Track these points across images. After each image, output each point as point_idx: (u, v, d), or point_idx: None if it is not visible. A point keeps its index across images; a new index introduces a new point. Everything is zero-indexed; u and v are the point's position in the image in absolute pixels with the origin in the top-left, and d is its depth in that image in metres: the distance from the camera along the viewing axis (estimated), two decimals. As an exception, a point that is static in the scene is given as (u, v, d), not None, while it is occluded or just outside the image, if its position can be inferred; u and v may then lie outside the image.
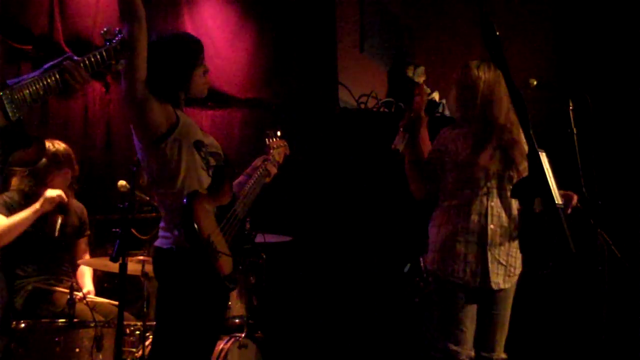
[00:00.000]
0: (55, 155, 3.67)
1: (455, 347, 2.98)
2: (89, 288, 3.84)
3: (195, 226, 2.44)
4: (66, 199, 3.62)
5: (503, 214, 3.03)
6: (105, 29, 2.46)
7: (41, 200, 3.52)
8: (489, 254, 3.01)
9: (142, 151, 2.58)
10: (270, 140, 3.03)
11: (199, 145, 2.61)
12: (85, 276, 3.92)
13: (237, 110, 5.33)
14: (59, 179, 3.70)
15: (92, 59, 2.36)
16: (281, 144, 3.06)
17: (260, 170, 2.91)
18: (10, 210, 3.57)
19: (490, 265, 3.01)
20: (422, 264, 3.82)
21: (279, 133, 3.03)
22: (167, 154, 2.51)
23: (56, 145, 3.70)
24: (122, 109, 4.67)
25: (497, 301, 3.07)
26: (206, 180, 2.59)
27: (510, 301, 3.08)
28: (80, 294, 3.59)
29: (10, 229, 3.49)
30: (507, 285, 3.06)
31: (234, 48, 5.31)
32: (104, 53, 2.38)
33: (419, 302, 3.79)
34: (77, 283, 3.79)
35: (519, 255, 3.07)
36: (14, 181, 3.69)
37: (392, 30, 6.75)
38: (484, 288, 3.02)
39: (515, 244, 3.04)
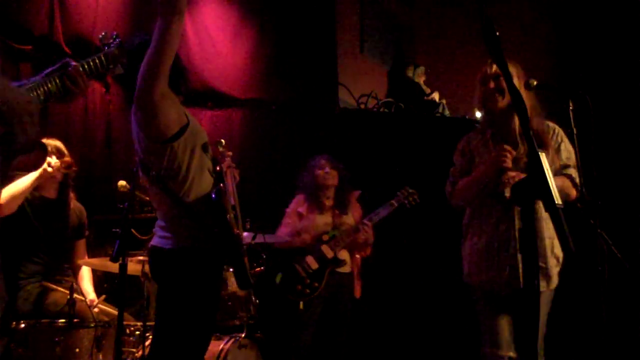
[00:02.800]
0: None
1: (491, 350, 3.00)
2: (91, 296, 3.80)
3: (229, 220, 2.47)
4: (69, 159, 3.58)
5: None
6: (103, 34, 2.46)
7: (43, 165, 3.48)
8: (519, 258, 2.99)
9: (150, 149, 2.55)
10: (223, 148, 3.04)
11: (206, 147, 2.62)
12: (85, 281, 3.89)
13: (237, 110, 5.33)
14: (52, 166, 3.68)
15: (92, 64, 2.36)
16: (229, 154, 3.05)
17: (230, 175, 2.91)
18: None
19: (521, 270, 2.98)
20: (299, 269, 4.06)
21: (223, 142, 3.04)
22: (178, 154, 2.51)
23: (47, 140, 3.70)
24: (124, 108, 4.68)
25: (531, 304, 3.02)
26: (210, 182, 2.60)
27: (547, 306, 3.05)
28: (81, 297, 3.59)
29: (13, 195, 3.43)
30: (543, 289, 3.02)
31: (234, 48, 5.31)
32: (102, 58, 2.38)
33: (304, 306, 4.04)
34: (78, 284, 3.79)
35: (557, 255, 3.05)
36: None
37: (392, 30, 6.76)
38: (517, 292, 2.99)
39: (550, 246, 3.02)
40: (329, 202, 4.29)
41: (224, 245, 2.50)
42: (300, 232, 4.22)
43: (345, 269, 4.21)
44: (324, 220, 4.24)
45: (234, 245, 2.52)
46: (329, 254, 4.13)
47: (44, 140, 3.73)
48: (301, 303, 4.06)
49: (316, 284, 4.08)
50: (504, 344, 3.01)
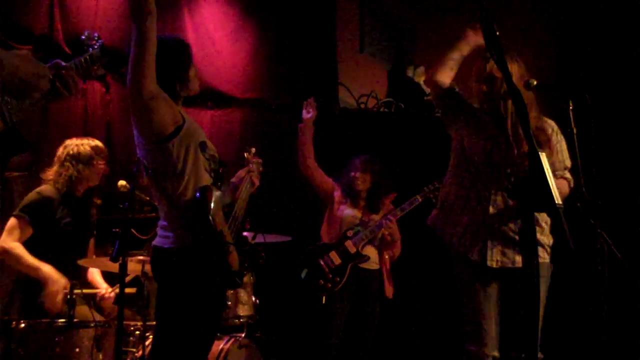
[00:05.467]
0: (97, 147, 3.73)
1: (477, 348, 2.95)
2: (104, 286, 3.85)
3: (210, 219, 2.48)
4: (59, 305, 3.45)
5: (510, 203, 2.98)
6: (85, 34, 2.47)
7: (48, 278, 3.41)
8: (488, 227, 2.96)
9: (146, 149, 2.57)
10: (249, 155, 3.08)
11: (203, 146, 2.63)
12: (95, 274, 3.93)
13: (237, 110, 5.33)
14: (99, 168, 3.72)
15: (79, 64, 2.38)
16: (258, 161, 3.08)
17: (247, 180, 2.93)
18: (36, 214, 3.55)
19: (490, 240, 2.96)
20: (322, 264, 4.11)
21: (253, 150, 3.10)
22: (173, 154, 2.52)
23: (96, 141, 3.77)
24: (124, 109, 4.67)
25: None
26: (208, 181, 2.61)
27: (540, 287, 3.01)
28: (79, 292, 3.59)
29: (11, 259, 3.48)
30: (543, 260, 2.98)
31: (234, 48, 5.31)
32: (88, 58, 2.40)
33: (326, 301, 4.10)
34: (91, 279, 3.85)
35: (546, 220, 3.01)
36: (49, 172, 3.68)
37: (392, 30, 6.76)
38: (506, 271, 2.94)
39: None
40: (362, 202, 4.37)
41: (205, 243, 2.50)
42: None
43: (372, 265, 4.25)
44: (352, 213, 4.31)
45: (216, 244, 2.51)
46: (352, 249, 4.19)
47: (88, 139, 3.75)
48: (323, 297, 4.12)
49: (337, 279, 4.13)
50: (489, 343, 2.95)
